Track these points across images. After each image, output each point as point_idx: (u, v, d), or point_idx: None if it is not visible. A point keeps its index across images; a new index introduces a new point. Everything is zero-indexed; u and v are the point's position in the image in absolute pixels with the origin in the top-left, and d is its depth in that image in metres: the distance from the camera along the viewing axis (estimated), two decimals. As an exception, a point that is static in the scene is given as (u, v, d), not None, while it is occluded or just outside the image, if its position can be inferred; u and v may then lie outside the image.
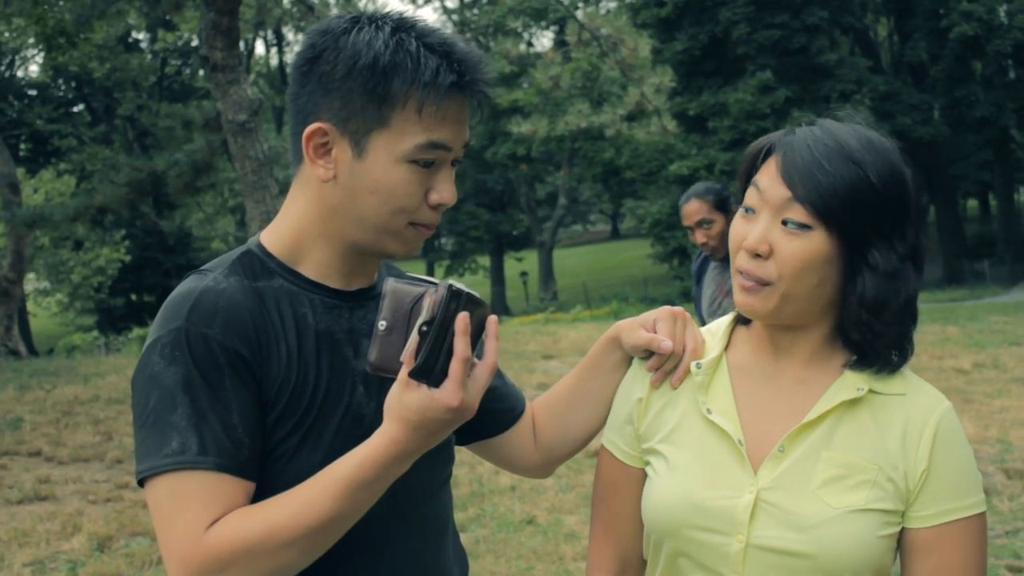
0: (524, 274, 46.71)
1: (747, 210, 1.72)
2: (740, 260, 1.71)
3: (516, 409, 2.00)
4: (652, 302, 32.88)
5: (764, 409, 1.78)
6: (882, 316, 1.69)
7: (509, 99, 38.25)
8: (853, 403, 1.73)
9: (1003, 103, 38.25)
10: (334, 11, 32.37)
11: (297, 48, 1.69)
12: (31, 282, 36.96)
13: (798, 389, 1.78)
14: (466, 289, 1.45)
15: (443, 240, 51.16)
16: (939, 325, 17.26)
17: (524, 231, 48.78)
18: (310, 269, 1.69)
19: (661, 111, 16.37)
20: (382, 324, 1.48)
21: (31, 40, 28.60)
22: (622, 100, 17.21)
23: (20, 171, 31.27)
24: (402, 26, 1.62)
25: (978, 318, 18.34)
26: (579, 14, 17.92)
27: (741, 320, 1.87)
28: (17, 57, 38.74)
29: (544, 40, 49.90)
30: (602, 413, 1.95)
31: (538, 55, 33.94)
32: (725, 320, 1.89)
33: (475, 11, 47.98)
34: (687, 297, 32.86)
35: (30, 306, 37.88)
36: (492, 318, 1.53)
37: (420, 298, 1.47)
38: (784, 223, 1.66)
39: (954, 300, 27.17)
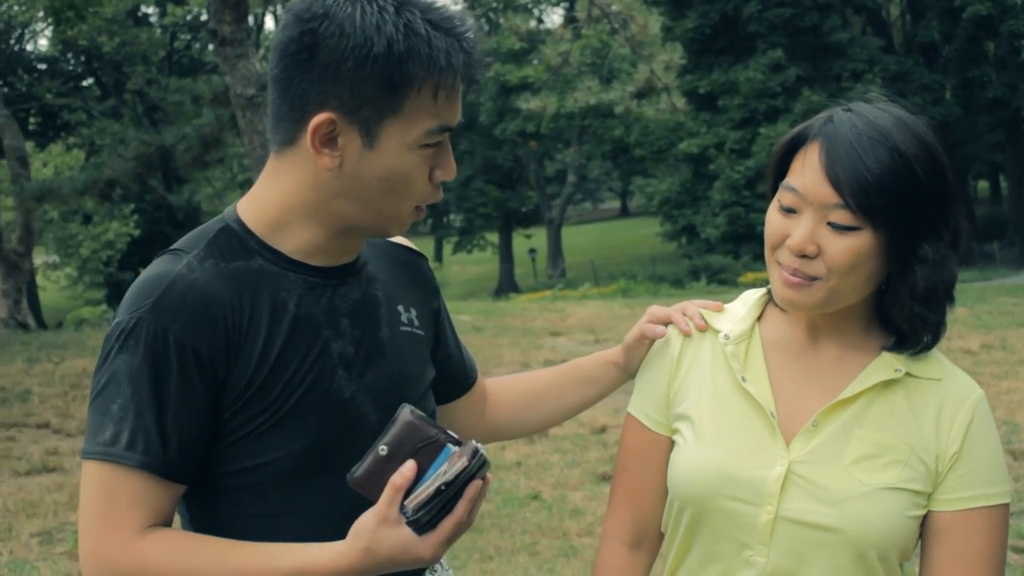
0: (533, 251, 46.68)
1: (786, 209, 1.68)
2: (783, 257, 1.68)
3: (469, 379, 2.01)
4: (660, 280, 32.84)
5: (797, 385, 1.77)
6: (931, 305, 1.68)
7: (519, 76, 38.16)
8: (889, 384, 1.73)
9: (1015, 84, 38.01)
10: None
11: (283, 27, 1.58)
12: (40, 256, 37.03)
13: (833, 367, 1.77)
14: (487, 457, 1.47)
15: (452, 217, 51.15)
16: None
17: (533, 208, 48.71)
18: (292, 247, 1.65)
19: (671, 88, 16.34)
20: (383, 449, 1.46)
21: (40, 14, 28.56)
22: (632, 77, 17.16)
23: (29, 145, 31.30)
24: (403, 3, 1.55)
25: (987, 299, 18.30)
26: (589, -10, 17.86)
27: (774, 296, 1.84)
28: (26, 31, 38.68)
29: (554, 17, 49.77)
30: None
31: (548, 32, 33.88)
32: (758, 292, 1.88)
33: (485, -13, 47.81)
34: (695, 276, 32.82)
35: (39, 280, 37.96)
36: (486, 480, 1.54)
37: (430, 442, 1.45)
38: (830, 224, 1.63)
39: (963, 281, 27.07)
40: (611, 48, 31.58)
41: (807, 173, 1.65)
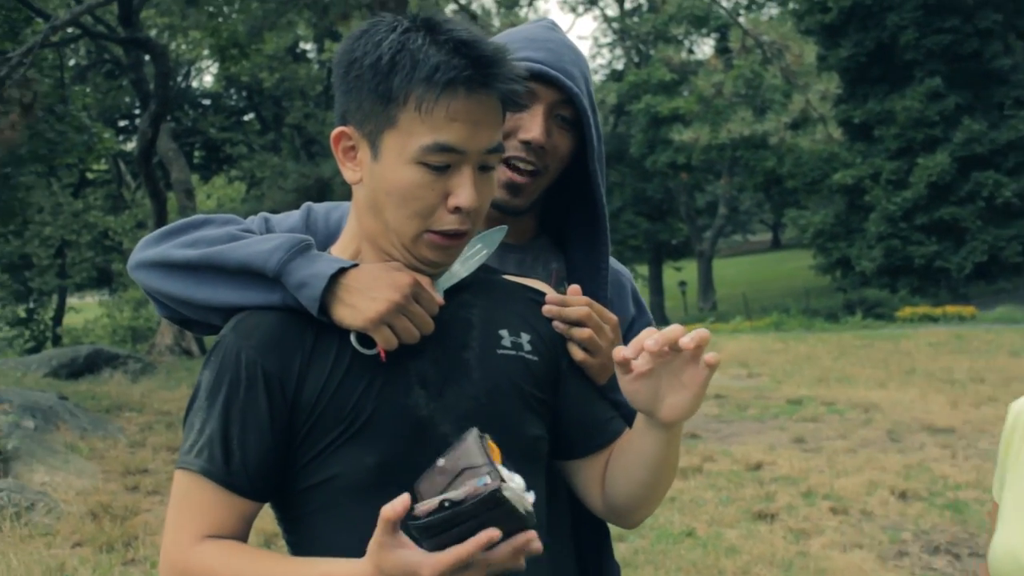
0: (683, 284, 46.33)
1: None
2: None
3: (594, 441, 1.82)
4: (814, 314, 32.17)
5: None
6: None
7: (669, 107, 38.02)
8: None
9: None
10: (496, 20, 32.70)
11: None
12: (202, 285, 38.22)
13: None
14: (514, 502, 1.37)
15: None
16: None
17: (683, 240, 48.39)
18: None
19: (827, 119, 16.03)
20: (440, 462, 1.45)
21: (206, 52, 29.69)
22: (786, 108, 16.93)
23: (194, 177, 32.49)
24: (418, 25, 1.58)
25: None
26: (741, 20, 17.72)
27: None
28: (193, 68, 40.25)
29: (704, 47, 49.45)
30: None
31: (699, 63, 33.70)
32: None
33: (636, 18, 47.87)
34: (850, 310, 32.05)
35: (201, 308, 39.20)
36: (525, 539, 1.39)
37: (473, 468, 1.42)
38: None
39: None
40: (763, 79, 31.30)
41: None
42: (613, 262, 2.08)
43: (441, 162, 1.56)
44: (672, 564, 6.25)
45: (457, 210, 1.59)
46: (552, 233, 2.13)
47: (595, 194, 2.00)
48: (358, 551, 1.51)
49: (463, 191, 1.57)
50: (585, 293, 1.86)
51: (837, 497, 7.76)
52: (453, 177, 1.58)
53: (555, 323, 1.80)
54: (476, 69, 1.55)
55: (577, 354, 1.79)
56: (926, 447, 9.80)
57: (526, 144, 1.89)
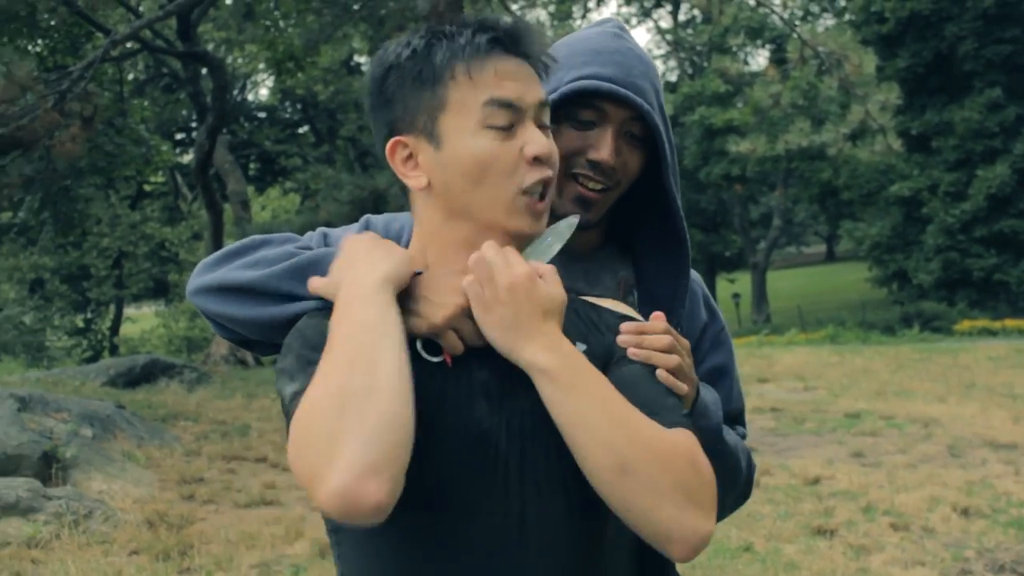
0: (736, 296, 46.01)
1: None
2: None
3: None
4: (870, 327, 31.81)
5: None
6: None
7: (724, 119, 37.80)
8: None
9: None
10: (549, 33, 32.72)
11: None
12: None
13: None
14: None
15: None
16: None
17: (737, 252, 48.09)
18: None
19: (886, 129, 15.81)
20: None
21: (262, 65, 29.96)
22: (844, 118, 16.76)
23: (249, 189, 32.76)
24: (441, 23, 1.61)
25: None
26: (798, 31, 17.56)
27: None
28: (249, 82, 40.62)
29: (759, 59, 49.16)
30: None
31: (754, 74, 33.50)
32: None
33: (690, 30, 47.70)
34: (907, 323, 31.67)
35: (256, 319, 39.49)
36: None
37: None
38: None
39: None
40: (820, 90, 31.06)
41: None
42: None
43: (505, 122, 1.55)
44: (730, 579, 6.18)
45: (536, 160, 1.56)
46: (618, 241, 2.07)
47: (672, 207, 1.95)
48: (409, 565, 1.51)
49: (535, 140, 1.56)
50: (663, 307, 1.81)
51: (898, 513, 7.63)
52: (519, 135, 1.57)
53: (632, 351, 1.68)
54: (507, 35, 1.57)
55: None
56: (988, 463, 9.63)
57: (594, 164, 1.84)
